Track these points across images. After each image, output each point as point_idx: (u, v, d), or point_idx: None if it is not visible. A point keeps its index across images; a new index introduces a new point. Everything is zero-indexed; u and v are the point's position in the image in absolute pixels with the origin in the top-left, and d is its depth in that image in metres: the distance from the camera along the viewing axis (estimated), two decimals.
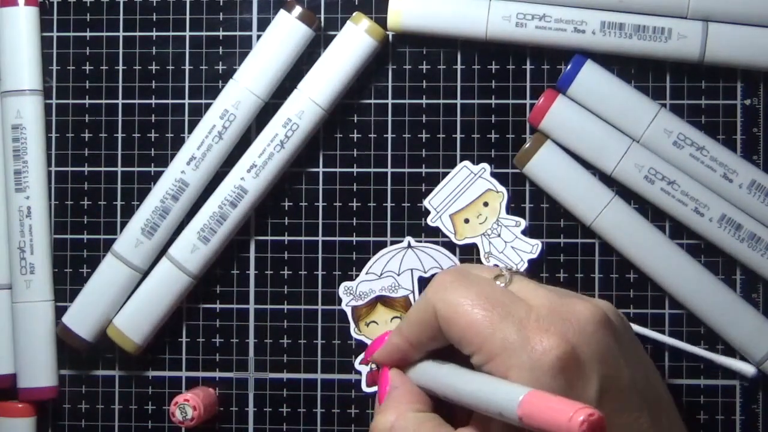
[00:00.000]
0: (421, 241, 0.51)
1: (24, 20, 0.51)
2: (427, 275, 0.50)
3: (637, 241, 0.49)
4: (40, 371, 0.51)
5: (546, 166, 0.49)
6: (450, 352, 0.41)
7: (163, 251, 0.50)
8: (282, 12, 0.49)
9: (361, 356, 0.51)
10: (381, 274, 0.51)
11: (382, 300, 0.51)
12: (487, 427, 0.38)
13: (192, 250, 0.49)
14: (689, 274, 0.49)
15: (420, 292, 0.50)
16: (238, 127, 0.49)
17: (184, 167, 0.49)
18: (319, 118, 0.49)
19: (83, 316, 0.50)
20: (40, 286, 0.51)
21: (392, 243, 0.51)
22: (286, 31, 0.49)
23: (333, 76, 0.49)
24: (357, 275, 0.51)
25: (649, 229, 0.49)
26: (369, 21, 0.49)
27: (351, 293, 0.51)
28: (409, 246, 0.51)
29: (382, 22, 0.49)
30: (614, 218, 0.49)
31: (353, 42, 0.49)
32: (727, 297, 0.49)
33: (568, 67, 0.49)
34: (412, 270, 0.51)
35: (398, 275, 0.51)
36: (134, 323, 0.50)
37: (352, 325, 0.51)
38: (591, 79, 0.49)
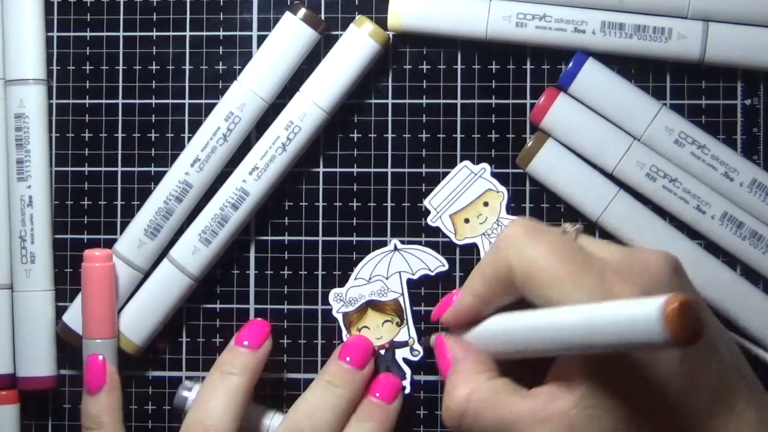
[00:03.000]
0: (405, 242, 0.51)
1: (28, 9, 0.50)
2: (415, 277, 0.50)
3: (646, 232, 0.48)
4: (39, 361, 0.50)
5: (550, 164, 0.49)
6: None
7: (164, 252, 0.50)
8: (287, 14, 0.49)
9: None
10: (370, 279, 0.51)
11: (373, 304, 0.51)
12: (570, 379, 0.37)
13: (193, 251, 0.49)
14: (701, 262, 0.48)
15: (409, 294, 0.50)
16: (242, 129, 0.49)
17: (188, 169, 0.49)
18: (321, 121, 0.49)
19: None
20: (40, 276, 0.51)
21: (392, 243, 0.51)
22: (291, 34, 0.49)
23: (336, 79, 0.49)
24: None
25: (658, 220, 0.49)
26: (372, 24, 0.48)
27: (341, 300, 0.51)
28: (396, 249, 0.51)
29: (382, 22, 0.49)
30: (622, 211, 0.49)
31: (356, 45, 0.49)
32: (747, 290, 0.48)
33: (570, 65, 0.49)
34: (400, 273, 0.50)
35: (387, 279, 0.50)
36: (135, 325, 0.50)
37: (344, 332, 0.51)
38: (593, 77, 0.49)
